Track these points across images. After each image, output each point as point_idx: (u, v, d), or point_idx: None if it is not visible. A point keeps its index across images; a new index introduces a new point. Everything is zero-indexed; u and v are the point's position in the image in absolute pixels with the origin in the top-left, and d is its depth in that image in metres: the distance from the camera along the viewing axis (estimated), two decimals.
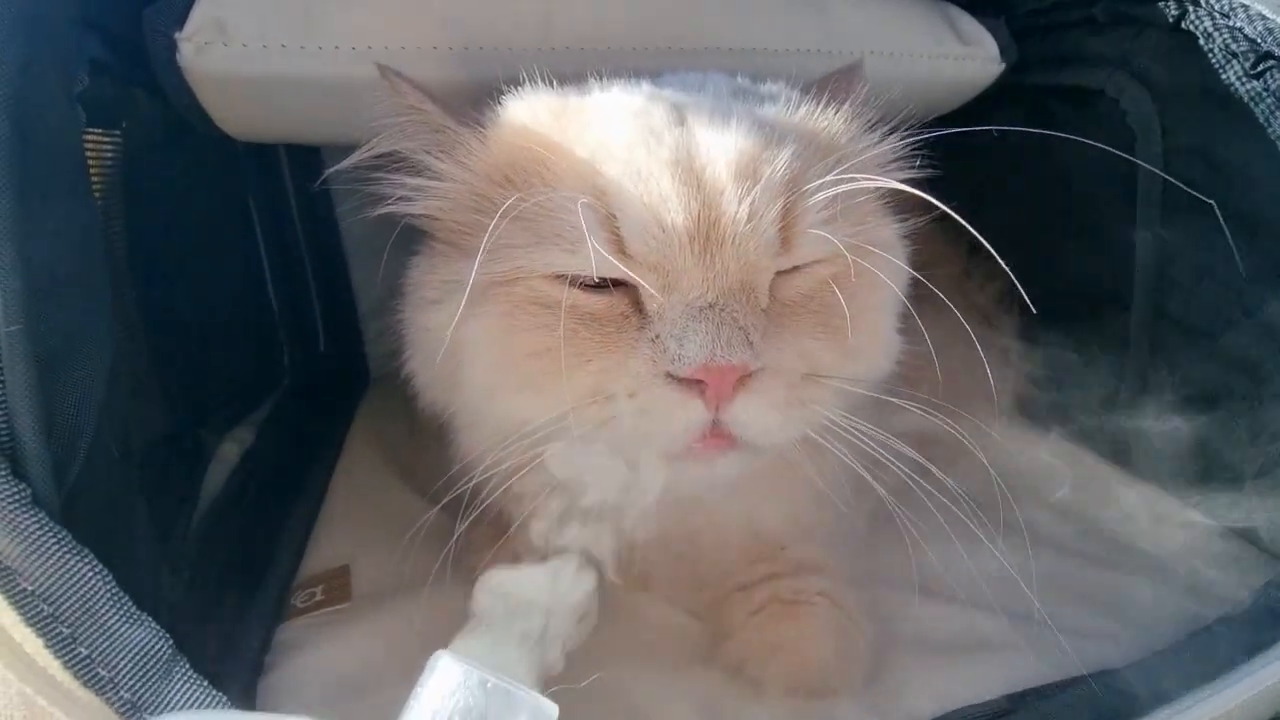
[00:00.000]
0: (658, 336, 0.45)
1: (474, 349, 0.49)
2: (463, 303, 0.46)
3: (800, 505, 0.60)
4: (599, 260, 0.44)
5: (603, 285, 0.46)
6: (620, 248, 0.45)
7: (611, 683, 0.45)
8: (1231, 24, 0.66)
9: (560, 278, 0.47)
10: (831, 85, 0.58)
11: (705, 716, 0.54)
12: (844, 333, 0.49)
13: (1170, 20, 0.70)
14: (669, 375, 0.45)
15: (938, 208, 0.53)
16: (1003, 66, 0.80)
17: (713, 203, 0.45)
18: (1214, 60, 0.67)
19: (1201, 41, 0.68)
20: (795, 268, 0.48)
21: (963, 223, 0.48)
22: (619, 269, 0.45)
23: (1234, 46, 0.66)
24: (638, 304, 0.47)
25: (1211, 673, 0.46)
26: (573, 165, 0.47)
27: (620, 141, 0.47)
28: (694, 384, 0.44)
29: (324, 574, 0.66)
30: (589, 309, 0.46)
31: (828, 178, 0.46)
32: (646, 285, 0.45)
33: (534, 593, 0.44)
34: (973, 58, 0.79)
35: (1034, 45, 0.83)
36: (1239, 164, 0.69)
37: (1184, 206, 0.74)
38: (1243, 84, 0.66)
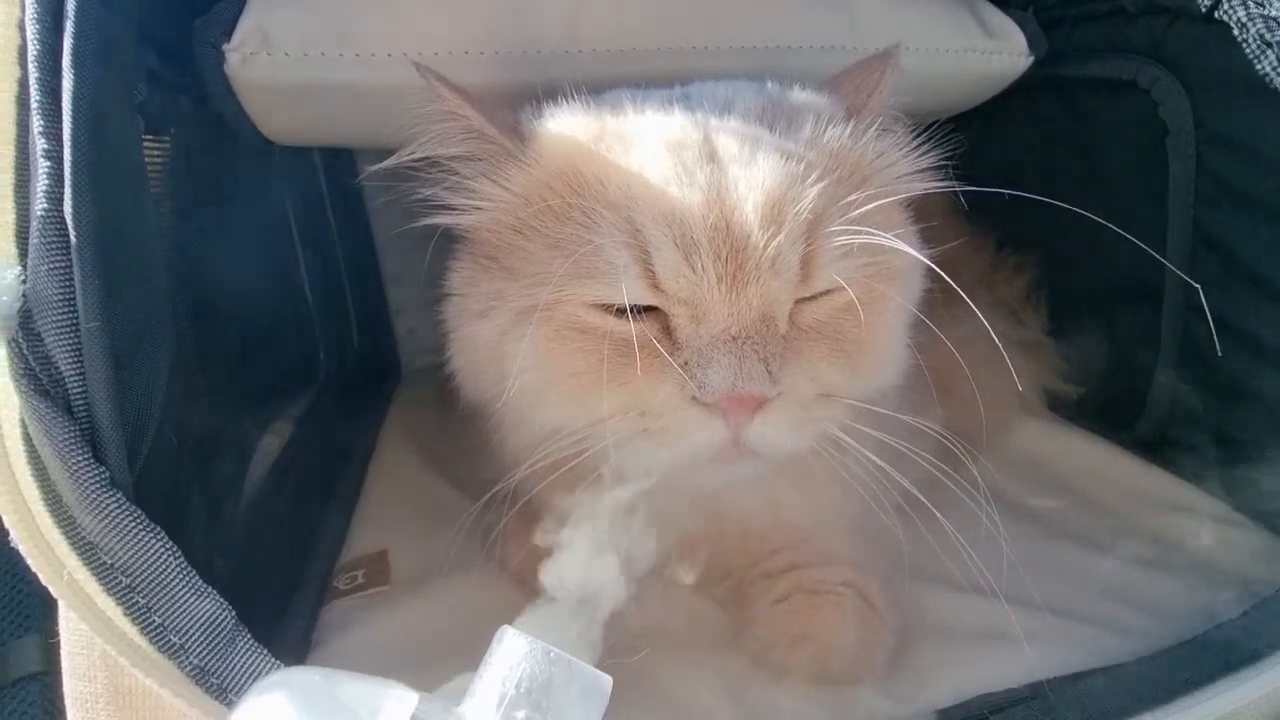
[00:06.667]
0: (686, 363, 0.48)
1: (518, 365, 0.52)
2: (513, 327, 0.51)
3: (822, 497, 0.61)
4: (635, 295, 0.48)
5: (636, 311, 0.49)
6: (654, 282, 0.48)
7: (640, 666, 0.47)
8: (1266, 13, 0.65)
9: (598, 305, 0.50)
10: (864, 73, 0.59)
11: (730, 700, 0.55)
12: (855, 356, 0.53)
13: (1203, 10, 0.69)
14: (694, 399, 0.48)
15: (965, 225, 0.52)
16: (1031, 59, 0.79)
17: (740, 245, 0.48)
18: (1248, 50, 0.66)
19: (1235, 31, 0.67)
20: (814, 295, 0.51)
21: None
22: (653, 302, 0.49)
23: (1269, 36, 0.65)
24: (668, 329, 0.50)
25: (1235, 664, 0.46)
26: (611, 200, 0.49)
27: (655, 177, 0.49)
28: (717, 407, 0.48)
29: (364, 558, 0.69)
30: (624, 335, 0.49)
31: (852, 215, 0.49)
32: (678, 317, 0.48)
33: (595, 578, 0.46)
34: (1000, 51, 0.78)
35: (1064, 36, 0.82)
36: (1274, 155, 0.68)
37: (1216, 199, 0.73)
38: (1278, 74, 0.65)
